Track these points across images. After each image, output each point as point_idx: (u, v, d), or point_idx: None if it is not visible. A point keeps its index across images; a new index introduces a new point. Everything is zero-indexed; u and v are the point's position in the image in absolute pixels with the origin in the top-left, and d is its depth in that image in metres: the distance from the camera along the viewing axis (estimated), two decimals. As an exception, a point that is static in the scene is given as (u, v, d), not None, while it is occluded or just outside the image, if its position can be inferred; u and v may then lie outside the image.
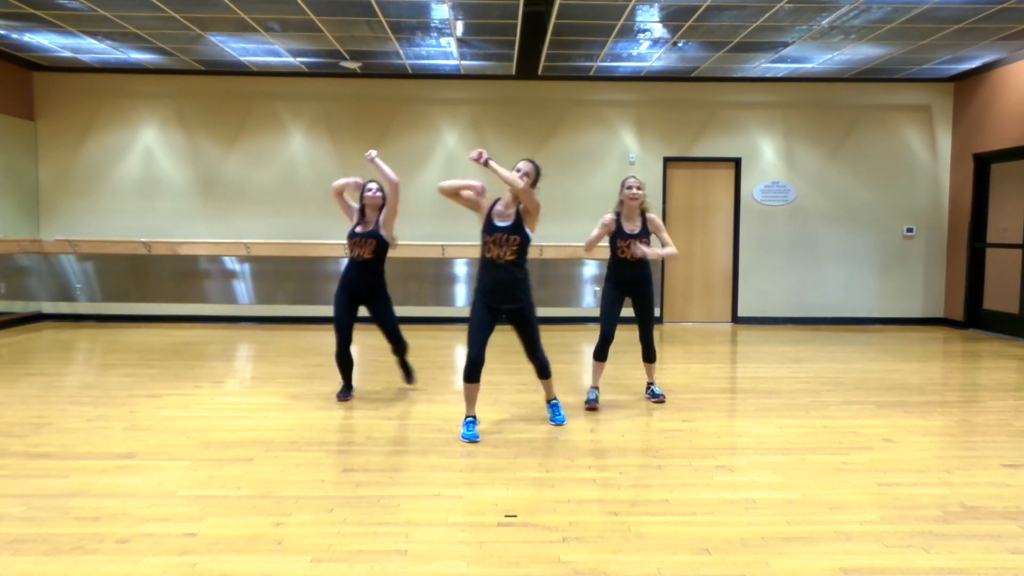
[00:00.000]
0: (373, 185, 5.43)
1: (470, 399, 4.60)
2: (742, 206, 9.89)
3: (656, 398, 5.51)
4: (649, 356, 5.48)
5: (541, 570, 2.82)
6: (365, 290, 5.37)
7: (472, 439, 4.45)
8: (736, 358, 7.73)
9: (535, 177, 4.59)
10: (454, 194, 4.66)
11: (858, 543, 3.07)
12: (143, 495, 3.56)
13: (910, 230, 9.91)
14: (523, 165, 4.58)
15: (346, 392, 5.54)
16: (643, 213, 5.23)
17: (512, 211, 4.56)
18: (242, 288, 9.75)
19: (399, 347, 5.65)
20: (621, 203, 5.22)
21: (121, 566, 2.83)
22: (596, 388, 5.39)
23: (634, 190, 5.14)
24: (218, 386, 6.06)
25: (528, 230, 4.55)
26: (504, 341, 8.46)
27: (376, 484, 3.74)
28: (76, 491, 3.60)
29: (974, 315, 9.49)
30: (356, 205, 5.44)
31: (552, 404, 4.95)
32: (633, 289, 5.28)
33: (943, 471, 4.00)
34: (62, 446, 4.31)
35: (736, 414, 5.30)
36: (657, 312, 9.85)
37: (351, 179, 5.47)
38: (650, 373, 5.60)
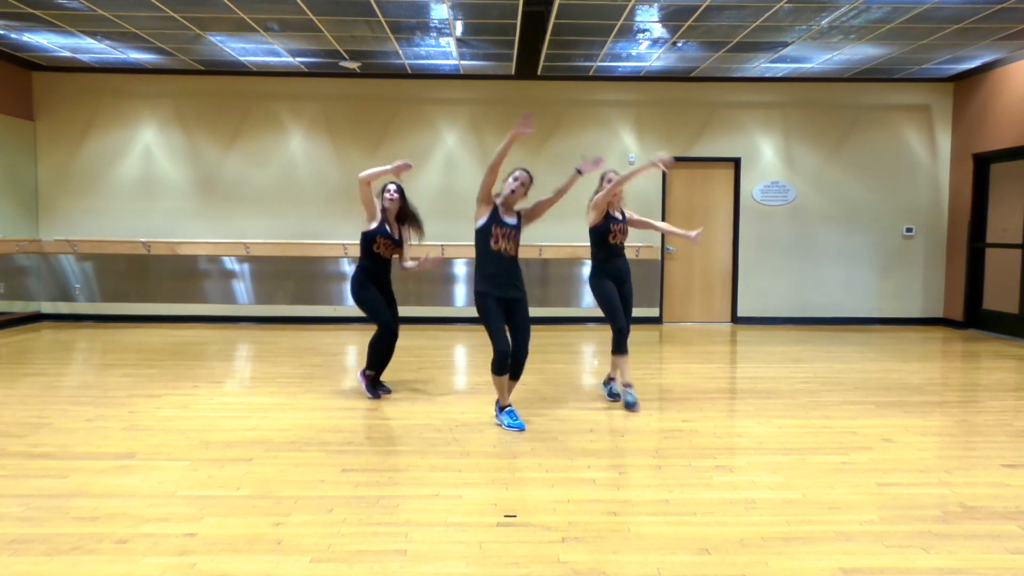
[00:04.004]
0: (392, 187, 5.49)
1: (505, 390, 4.81)
2: (742, 206, 9.89)
3: (613, 397, 5.45)
4: (621, 348, 5.27)
5: (541, 570, 2.82)
6: (387, 286, 5.64)
7: (519, 427, 4.69)
8: (736, 358, 7.73)
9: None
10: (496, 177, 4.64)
11: (858, 543, 3.07)
12: (142, 495, 3.55)
13: (910, 230, 9.91)
14: (521, 175, 4.79)
15: (377, 387, 5.60)
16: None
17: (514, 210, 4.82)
18: (242, 288, 9.75)
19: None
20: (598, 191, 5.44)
21: (120, 566, 2.83)
22: (630, 386, 5.28)
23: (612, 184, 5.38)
24: (217, 386, 6.06)
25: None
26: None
27: (376, 484, 3.73)
28: (75, 491, 3.60)
29: (974, 315, 9.50)
30: (379, 203, 5.45)
31: (509, 410, 4.84)
32: (620, 279, 5.36)
33: (943, 471, 4.00)
34: (61, 446, 4.31)
35: (736, 414, 5.30)
36: (657, 312, 9.86)
37: (388, 167, 5.24)
38: (615, 368, 5.42)
